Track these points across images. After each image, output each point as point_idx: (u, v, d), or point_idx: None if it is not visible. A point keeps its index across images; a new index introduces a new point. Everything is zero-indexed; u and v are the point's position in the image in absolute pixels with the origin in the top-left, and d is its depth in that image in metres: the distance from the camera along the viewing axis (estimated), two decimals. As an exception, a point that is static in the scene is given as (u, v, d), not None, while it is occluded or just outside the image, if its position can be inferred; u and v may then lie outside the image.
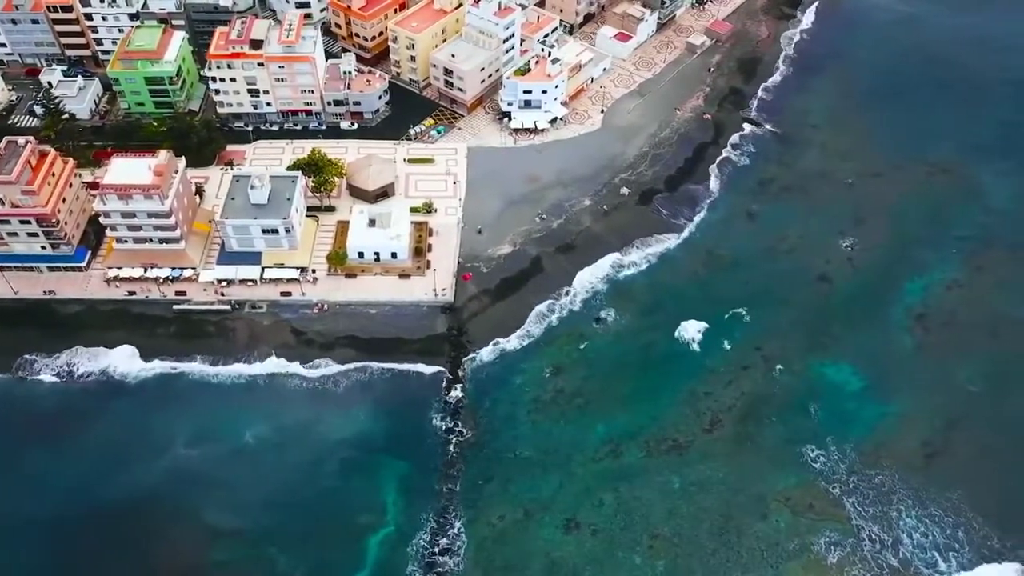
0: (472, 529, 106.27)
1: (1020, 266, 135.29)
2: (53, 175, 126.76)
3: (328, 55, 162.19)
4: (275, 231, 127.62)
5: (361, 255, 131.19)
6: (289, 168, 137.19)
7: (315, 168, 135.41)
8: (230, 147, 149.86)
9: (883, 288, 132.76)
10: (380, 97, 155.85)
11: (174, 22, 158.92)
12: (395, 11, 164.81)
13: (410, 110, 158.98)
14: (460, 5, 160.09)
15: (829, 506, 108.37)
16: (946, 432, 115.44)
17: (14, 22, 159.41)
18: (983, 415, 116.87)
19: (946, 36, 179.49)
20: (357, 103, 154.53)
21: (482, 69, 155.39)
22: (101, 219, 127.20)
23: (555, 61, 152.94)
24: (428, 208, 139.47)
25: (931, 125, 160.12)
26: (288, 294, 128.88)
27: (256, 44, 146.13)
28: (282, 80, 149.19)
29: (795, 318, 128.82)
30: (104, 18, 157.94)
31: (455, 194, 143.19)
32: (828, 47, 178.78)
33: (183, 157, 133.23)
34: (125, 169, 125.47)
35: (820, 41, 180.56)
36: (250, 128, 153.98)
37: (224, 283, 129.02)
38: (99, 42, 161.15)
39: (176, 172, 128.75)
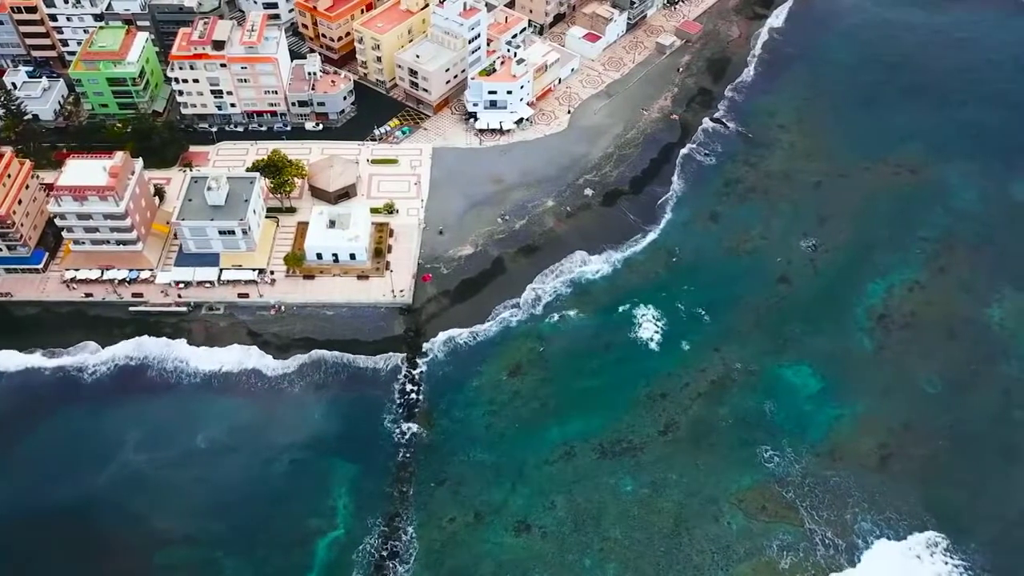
0: (422, 532, 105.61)
1: (982, 267, 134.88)
2: (9, 176, 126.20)
3: (296, 56, 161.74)
4: (232, 232, 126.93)
5: (319, 256, 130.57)
6: (248, 169, 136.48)
7: (274, 169, 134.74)
8: (193, 148, 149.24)
9: (844, 289, 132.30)
10: (345, 98, 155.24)
11: (139, 23, 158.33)
12: (362, 11, 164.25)
13: (377, 111, 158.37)
14: (427, 6, 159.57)
15: (782, 508, 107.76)
16: (903, 434, 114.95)
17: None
18: (940, 417, 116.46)
19: (917, 37, 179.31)
20: (322, 104, 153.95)
21: (447, 70, 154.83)
22: (57, 221, 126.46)
23: (520, 62, 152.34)
24: (389, 209, 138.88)
25: (899, 125, 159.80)
26: (246, 296, 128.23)
27: (218, 45, 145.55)
28: (245, 81, 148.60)
29: (755, 319, 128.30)
30: (69, 19, 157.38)
31: (417, 195, 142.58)
32: (799, 47, 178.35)
33: (141, 158, 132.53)
34: (80, 171, 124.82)
35: (791, 42, 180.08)
36: (214, 129, 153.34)
37: (182, 285, 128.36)
38: (64, 43, 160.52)
39: (133, 174, 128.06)
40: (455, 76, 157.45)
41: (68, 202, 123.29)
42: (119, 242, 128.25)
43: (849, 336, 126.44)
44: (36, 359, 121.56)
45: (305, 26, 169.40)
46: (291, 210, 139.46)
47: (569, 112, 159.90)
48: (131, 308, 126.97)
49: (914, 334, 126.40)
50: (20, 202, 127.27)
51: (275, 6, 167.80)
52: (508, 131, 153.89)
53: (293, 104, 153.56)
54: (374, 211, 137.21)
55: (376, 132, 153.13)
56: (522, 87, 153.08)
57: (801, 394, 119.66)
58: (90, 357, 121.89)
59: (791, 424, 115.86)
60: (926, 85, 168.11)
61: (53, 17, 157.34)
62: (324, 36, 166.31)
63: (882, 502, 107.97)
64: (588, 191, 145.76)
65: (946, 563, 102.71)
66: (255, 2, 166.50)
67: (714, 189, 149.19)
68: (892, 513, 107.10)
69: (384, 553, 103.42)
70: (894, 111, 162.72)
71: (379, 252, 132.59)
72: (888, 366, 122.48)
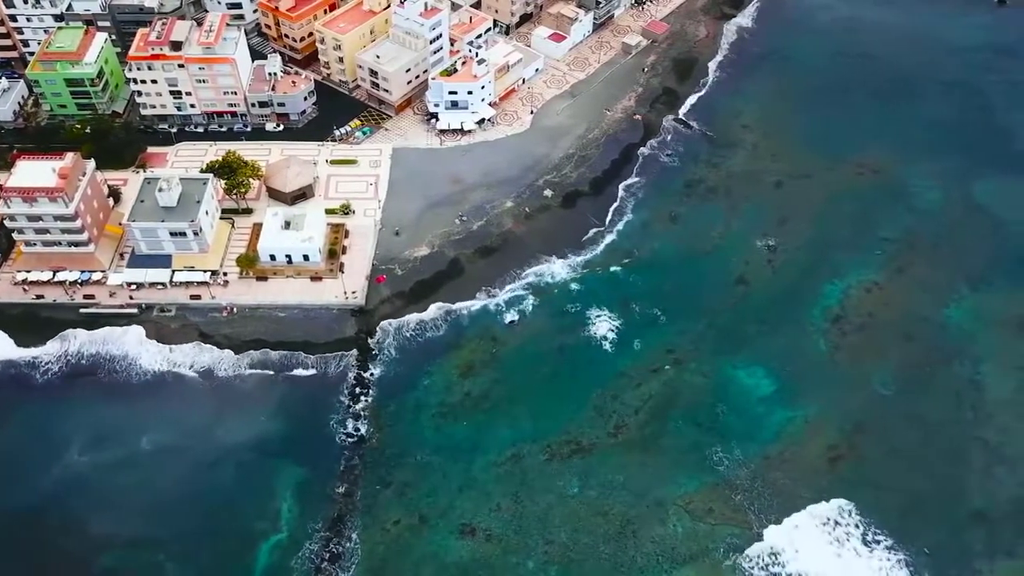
0: (366, 535, 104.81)
1: (940, 268, 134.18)
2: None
3: (260, 56, 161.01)
4: (183, 234, 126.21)
5: (273, 258, 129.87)
6: (202, 170, 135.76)
7: (228, 170, 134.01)
8: (152, 149, 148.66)
9: (801, 290, 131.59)
10: (306, 98, 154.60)
11: (99, 23, 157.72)
12: (325, 11, 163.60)
13: (339, 111, 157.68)
14: (389, 6, 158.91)
15: (730, 511, 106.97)
16: (853, 436, 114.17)
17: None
18: (893, 419, 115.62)
19: (883, 37, 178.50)
20: (282, 104, 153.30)
21: (408, 70, 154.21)
22: (7, 223, 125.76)
23: (481, 62, 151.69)
24: (345, 210, 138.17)
25: (864, 126, 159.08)
26: (198, 297, 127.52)
27: (176, 45, 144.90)
28: (203, 81, 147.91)
29: (710, 320, 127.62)
30: (29, 19, 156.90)
31: (375, 195, 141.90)
32: (765, 47, 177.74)
33: (93, 160, 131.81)
34: (30, 172, 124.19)
35: (758, 42, 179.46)
36: (174, 130, 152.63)
37: (133, 286, 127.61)
38: (25, 43, 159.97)
39: (84, 175, 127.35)
40: (416, 76, 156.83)
41: (18, 204, 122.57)
42: (70, 244, 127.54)
43: (804, 337, 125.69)
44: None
45: (268, 27, 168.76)
46: (247, 211, 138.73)
47: (532, 113, 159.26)
48: (82, 310, 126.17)
49: (870, 335, 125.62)
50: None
51: (239, 6, 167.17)
52: (469, 131, 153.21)
53: (253, 104, 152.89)
54: (329, 212, 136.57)
55: (336, 133, 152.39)
56: (483, 87, 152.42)
57: (753, 396, 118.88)
58: (41, 357, 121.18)
59: (742, 426, 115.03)
60: (892, 84, 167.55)
61: (13, 17, 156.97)
62: (287, 36, 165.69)
63: (829, 504, 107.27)
64: (548, 192, 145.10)
65: (889, 560, 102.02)
66: (219, 2, 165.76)
67: (675, 189, 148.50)
68: (838, 515, 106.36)
69: (326, 556, 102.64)
70: (859, 111, 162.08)
71: (333, 253, 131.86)
72: (842, 367, 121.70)
